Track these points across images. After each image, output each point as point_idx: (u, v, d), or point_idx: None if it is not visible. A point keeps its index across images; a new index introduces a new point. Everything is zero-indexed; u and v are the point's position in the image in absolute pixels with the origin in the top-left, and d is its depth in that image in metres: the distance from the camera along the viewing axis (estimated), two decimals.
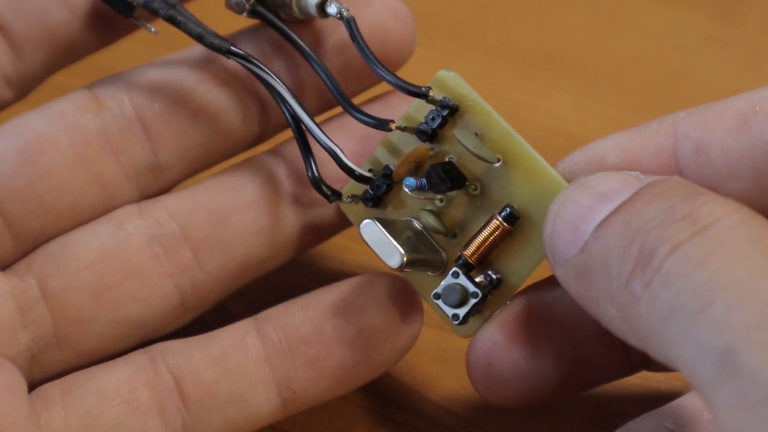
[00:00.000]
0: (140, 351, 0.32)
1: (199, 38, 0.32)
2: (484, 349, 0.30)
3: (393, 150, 0.32)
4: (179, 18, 0.32)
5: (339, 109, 0.33)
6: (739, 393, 0.23)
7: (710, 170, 0.29)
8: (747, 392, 0.22)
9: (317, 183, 0.31)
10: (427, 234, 0.31)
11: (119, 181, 0.33)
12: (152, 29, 0.33)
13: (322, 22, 0.33)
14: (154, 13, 0.32)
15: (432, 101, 0.31)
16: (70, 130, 0.33)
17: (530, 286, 0.31)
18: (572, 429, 0.33)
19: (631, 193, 0.26)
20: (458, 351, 0.35)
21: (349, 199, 0.32)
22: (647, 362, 0.31)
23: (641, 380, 0.34)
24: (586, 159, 0.30)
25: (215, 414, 0.31)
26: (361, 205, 0.32)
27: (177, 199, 0.33)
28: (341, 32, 0.33)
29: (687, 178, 0.29)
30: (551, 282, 0.30)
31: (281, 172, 0.33)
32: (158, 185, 0.34)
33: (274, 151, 0.34)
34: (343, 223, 0.33)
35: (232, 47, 0.32)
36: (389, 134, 0.32)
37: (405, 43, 0.33)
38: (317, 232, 0.34)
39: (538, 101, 0.43)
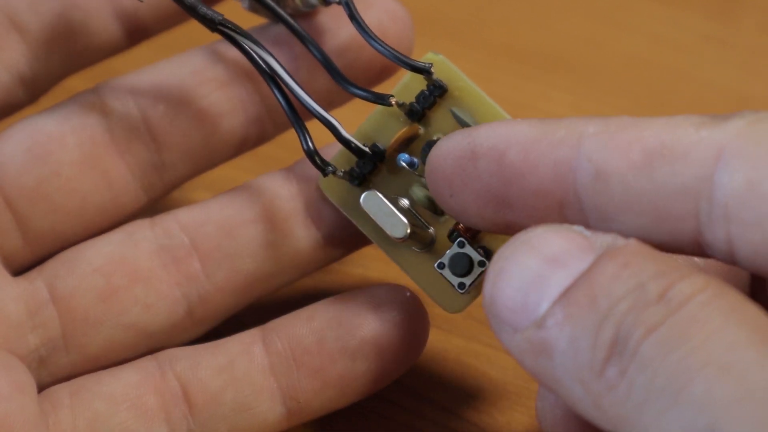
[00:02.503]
0: (148, 357, 0.32)
1: (192, 9, 0.31)
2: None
3: (378, 128, 0.32)
4: None
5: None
6: None
7: (608, 200, 0.26)
8: None
9: (312, 155, 0.31)
10: (414, 211, 0.32)
11: (125, 179, 0.33)
12: None
13: (325, 24, 0.34)
14: None
15: (431, 80, 0.31)
16: (77, 130, 0.33)
17: None
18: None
19: (588, 259, 0.25)
20: (458, 351, 0.35)
21: (341, 173, 0.32)
22: None
23: None
24: (490, 145, 0.28)
25: (220, 422, 0.31)
26: (341, 184, 0.32)
27: (188, 211, 0.33)
28: (345, 33, 0.33)
29: (582, 200, 0.27)
30: None
31: (293, 189, 0.33)
32: (163, 184, 0.34)
33: (287, 169, 0.34)
34: (358, 240, 0.33)
35: (224, 19, 0.31)
36: (375, 113, 0.32)
37: (403, 44, 0.33)
38: (331, 249, 0.33)
39: (538, 101, 0.43)
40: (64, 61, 0.34)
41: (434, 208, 0.31)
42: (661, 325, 0.24)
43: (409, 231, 0.30)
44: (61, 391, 0.31)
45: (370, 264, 0.37)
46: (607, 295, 0.24)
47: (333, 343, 0.31)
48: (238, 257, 0.33)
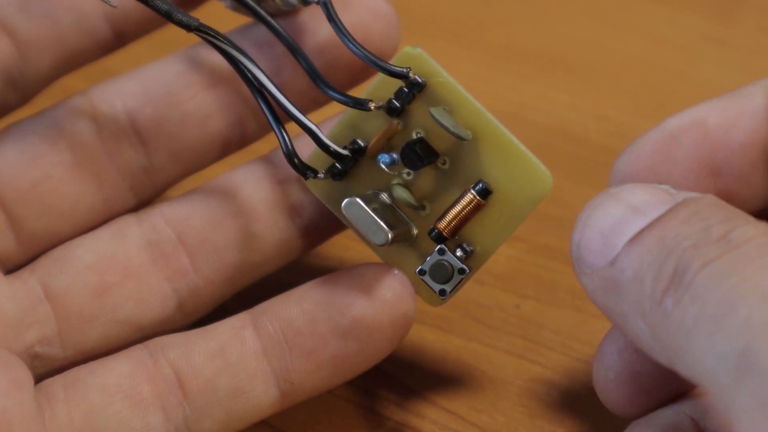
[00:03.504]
0: (139, 345, 0.32)
1: (168, 15, 0.31)
2: (625, 359, 0.30)
3: (354, 126, 0.32)
4: None
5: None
6: (756, 391, 0.23)
7: None
8: (763, 390, 0.22)
9: (291, 157, 0.31)
10: (395, 206, 0.32)
11: (115, 181, 0.34)
12: (113, 3, 0.33)
13: (305, 23, 0.34)
14: None
15: (410, 83, 0.31)
16: (68, 133, 0.33)
17: None
18: (573, 427, 0.33)
19: (665, 208, 0.26)
20: (458, 351, 0.35)
21: (321, 175, 0.32)
22: None
23: None
24: (689, 121, 0.30)
25: (216, 407, 0.31)
26: (323, 181, 0.32)
27: (173, 205, 0.34)
28: (325, 32, 0.33)
29: None
30: None
31: (274, 177, 0.33)
32: (153, 186, 0.34)
33: (266, 158, 0.34)
34: (339, 226, 0.33)
35: (201, 24, 0.31)
36: (349, 112, 0.32)
37: (387, 42, 0.33)
38: (313, 236, 0.34)
39: (537, 101, 0.43)
40: (55, 63, 0.34)
41: (416, 205, 0.32)
42: (717, 258, 0.25)
43: (390, 237, 0.30)
44: (55, 384, 0.31)
45: (352, 245, 0.37)
46: (675, 236, 0.26)
47: (325, 323, 0.32)
48: (225, 249, 0.33)
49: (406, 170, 0.32)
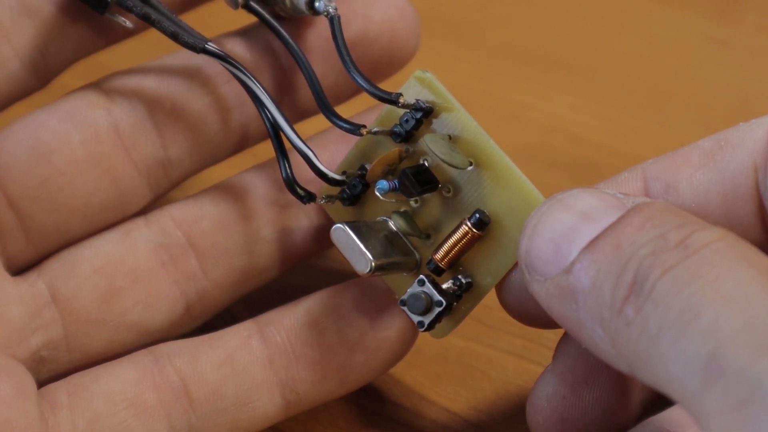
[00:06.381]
0: (143, 351, 0.32)
1: (174, 36, 0.31)
2: (553, 406, 0.30)
3: (367, 152, 0.32)
4: (153, 16, 0.32)
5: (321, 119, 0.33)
6: (725, 395, 0.23)
7: (680, 206, 0.29)
8: (732, 393, 0.22)
9: (291, 184, 0.31)
10: (401, 234, 0.31)
11: (131, 177, 0.33)
12: (128, 24, 0.33)
13: (317, 26, 0.34)
14: (128, 11, 0.32)
15: (403, 106, 0.31)
16: (82, 127, 0.33)
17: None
18: None
19: (616, 214, 0.26)
20: (458, 351, 0.35)
21: (323, 200, 0.32)
22: None
23: None
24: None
25: (222, 416, 0.31)
26: (339, 204, 0.32)
27: (182, 207, 0.33)
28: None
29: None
30: None
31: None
32: (169, 181, 0.34)
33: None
34: None
35: (207, 45, 0.31)
36: (362, 138, 0.32)
37: (411, 41, 0.34)
38: (322, 240, 0.34)
39: (537, 101, 0.43)
40: (77, 46, 0.34)
41: (419, 233, 0.31)
42: (677, 265, 0.25)
43: (374, 265, 0.30)
44: (59, 390, 0.31)
45: None
46: (631, 243, 0.26)
47: (333, 335, 0.31)
48: (234, 253, 0.33)
49: (414, 198, 0.31)
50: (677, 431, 0.28)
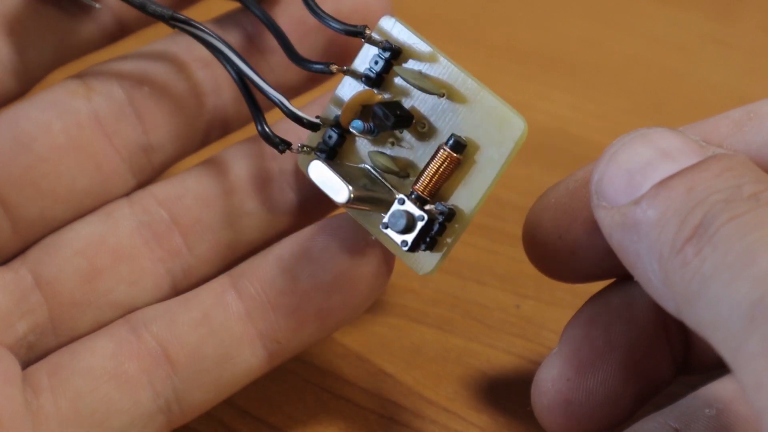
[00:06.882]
0: (119, 321, 0.32)
1: (141, 7, 0.32)
2: (557, 389, 0.30)
3: (341, 104, 0.32)
4: None
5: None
6: (765, 338, 0.23)
7: None
8: None
9: (266, 135, 0.31)
10: (381, 178, 0.31)
11: (114, 162, 0.33)
12: (97, 5, 0.33)
13: (289, 7, 0.34)
14: None
15: (370, 41, 0.31)
16: (62, 115, 0.33)
17: (577, 315, 0.31)
18: None
19: (696, 158, 0.27)
20: (458, 351, 0.35)
21: (299, 148, 0.32)
22: (687, 368, 0.31)
23: None
24: (586, 172, 0.31)
25: (205, 375, 0.31)
26: (315, 158, 0.32)
27: (164, 186, 0.33)
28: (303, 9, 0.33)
29: None
30: (601, 306, 0.31)
31: (266, 155, 0.33)
32: (151, 166, 0.34)
33: (258, 137, 0.34)
34: (331, 203, 0.33)
35: (174, 14, 0.32)
36: (338, 88, 0.32)
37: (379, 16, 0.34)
38: (305, 212, 0.34)
39: (538, 101, 0.43)
40: (57, 52, 0.34)
41: (397, 171, 0.31)
42: (745, 213, 0.25)
43: (353, 195, 0.30)
44: (39, 372, 0.31)
45: None
46: (705, 188, 0.26)
47: (307, 280, 0.31)
48: (219, 228, 0.33)
49: (390, 140, 0.31)
50: (681, 426, 0.29)
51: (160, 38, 0.34)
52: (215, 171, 0.33)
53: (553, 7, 0.47)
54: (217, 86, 0.34)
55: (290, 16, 0.34)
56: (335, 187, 0.30)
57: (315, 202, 0.33)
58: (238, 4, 0.34)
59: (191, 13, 0.34)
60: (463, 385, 0.35)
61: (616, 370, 0.30)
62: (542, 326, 0.36)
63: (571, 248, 0.30)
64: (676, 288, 0.25)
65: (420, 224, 0.30)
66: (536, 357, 0.35)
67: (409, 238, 0.30)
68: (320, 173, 0.30)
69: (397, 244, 0.30)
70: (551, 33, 0.46)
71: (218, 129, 0.34)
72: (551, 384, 0.30)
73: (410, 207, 0.30)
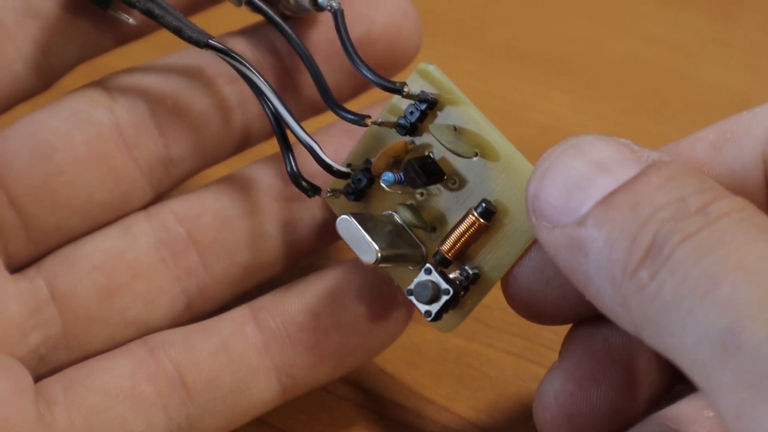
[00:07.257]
0: (137, 342, 0.32)
1: (177, 32, 0.31)
2: (560, 403, 0.30)
3: (373, 145, 0.32)
4: (157, 11, 0.32)
5: (328, 116, 0.33)
6: (740, 370, 0.22)
7: None
8: (748, 369, 0.22)
9: (295, 178, 0.31)
10: (407, 228, 0.31)
11: (133, 175, 0.33)
12: (131, 20, 0.33)
13: (320, 27, 0.34)
14: (131, 6, 0.32)
15: (408, 96, 0.31)
16: (84, 125, 0.33)
17: (576, 327, 0.31)
18: None
19: (633, 168, 0.26)
20: (458, 351, 0.35)
21: (328, 194, 0.32)
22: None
23: None
24: None
25: (219, 404, 0.31)
26: (344, 199, 0.32)
27: (183, 202, 0.33)
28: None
29: None
30: (600, 318, 0.30)
31: (286, 176, 0.33)
32: (170, 180, 0.34)
33: (280, 155, 0.34)
34: None
35: (210, 41, 0.31)
36: (368, 130, 0.32)
37: (413, 42, 0.34)
38: (324, 237, 0.33)
39: (537, 101, 0.43)
40: (81, 47, 0.34)
41: (425, 225, 0.31)
42: (697, 233, 0.24)
43: (380, 255, 0.30)
44: (54, 385, 0.31)
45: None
46: (650, 204, 0.25)
47: (327, 318, 0.31)
48: (237, 249, 0.33)
49: (419, 191, 0.31)
50: (681, 428, 0.28)
51: (185, 48, 0.34)
52: (236, 189, 0.33)
53: (553, 7, 0.47)
54: (242, 102, 0.33)
55: (320, 34, 0.34)
56: (363, 248, 0.30)
57: (334, 228, 0.33)
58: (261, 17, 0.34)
59: (211, 15, 0.33)
60: (463, 385, 0.35)
61: (618, 382, 0.30)
62: (542, 326, 0.36)
63: (561, 292, 0.30)
64: (633, 312, 0.25)
65: (445, 297, 0.30)
66: (536, 357, 0.35)
67: (434, 309, 0.30)
68: (348, 230, 0.30)
69: (421, 312, 0.30)
70: (551, 33, 0.46)
71: (241, 144, 0.34)
72: (554, 399, 0.30)
73: (436, 278, 0.30)
